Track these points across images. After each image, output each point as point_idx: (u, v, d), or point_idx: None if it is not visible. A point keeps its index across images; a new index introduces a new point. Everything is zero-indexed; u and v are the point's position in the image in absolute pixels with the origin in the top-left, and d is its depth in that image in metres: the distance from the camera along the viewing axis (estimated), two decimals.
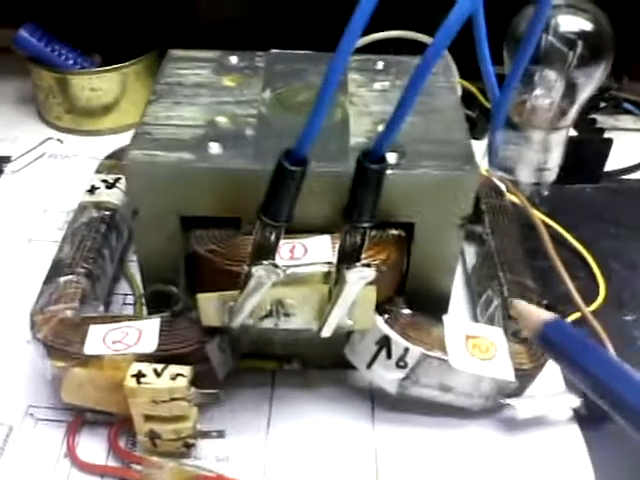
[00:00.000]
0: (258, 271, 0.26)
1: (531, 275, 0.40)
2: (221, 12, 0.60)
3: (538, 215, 0.44)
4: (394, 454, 0.34)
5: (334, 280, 0.29)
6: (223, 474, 0.32)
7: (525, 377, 0.35)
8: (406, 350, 0.33)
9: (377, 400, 0.37)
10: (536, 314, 0.27)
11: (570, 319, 0.40)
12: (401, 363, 0.33)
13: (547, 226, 0.45)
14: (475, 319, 0.41)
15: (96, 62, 0.58)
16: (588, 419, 0.36)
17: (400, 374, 0.34)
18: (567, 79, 0.36)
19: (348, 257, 0.28)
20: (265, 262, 0.27)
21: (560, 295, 0.42)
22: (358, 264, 0.27)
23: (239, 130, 0.33)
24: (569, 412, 0.36)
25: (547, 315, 0.27)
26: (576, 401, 0.36)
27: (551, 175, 0.42)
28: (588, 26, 0.36)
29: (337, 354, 0.35)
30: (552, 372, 0.37)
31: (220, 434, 0.33)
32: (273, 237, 0.27)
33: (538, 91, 0.37)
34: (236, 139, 0.32)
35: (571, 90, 0.37)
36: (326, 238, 0.32)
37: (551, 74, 0.36)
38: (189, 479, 0.32)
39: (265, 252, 0.27)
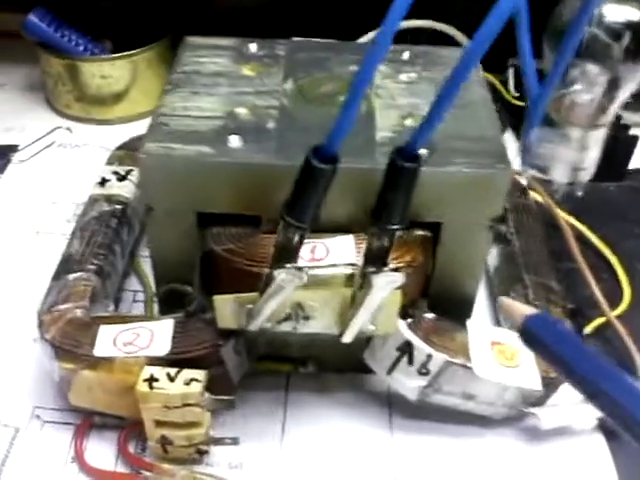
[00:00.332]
0: (281, 275, 0.25)
1: (556, 277, 0.38)
2: None
3: (562, 214, 0.43)
4: (412, 462, 0.33)
5: (359, 284, 0.27)
6: None
7: (550, 386, 0.33)
8: (429, 357, 0.32)
9: (395, 406, 0.35)
10: (520, 309, 0.27)
11: (595, 324, 0.39)
12: (423, 370, 0.32)
13: (570, 226, 0.43)
14: (497, 323, 0.39)
15: (107, 49, 0.57)
16: (613, 429, 0.35)
17: (422, 381, 0.32)
18: (610, 74, 0.34)
19: (374, 260, 0.26)
20: (288, 265, 0.25)
21: (583, 298, 0.40)
22: (386, 268, 0.26)
23: (260, 122, 0.31)
24: (593, 421, 0.35)
25: (530, 310, 0.26)
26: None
27: (587, 175, 0.41)
28: (637, 15, 0.34)
29: (354, 357, 0.33)
30: None
31: (234, 441, 0.32)
32: (297, 238, 0.25)
33: (578, 86, 0.35)
34: (257, 132, 0.31)
35: (613, 85, 0.36)
36: (349, 238, 0.30)
37: (593, 68, 0.34)
38: None
39: (287, 254, 0.26)
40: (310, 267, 0.28)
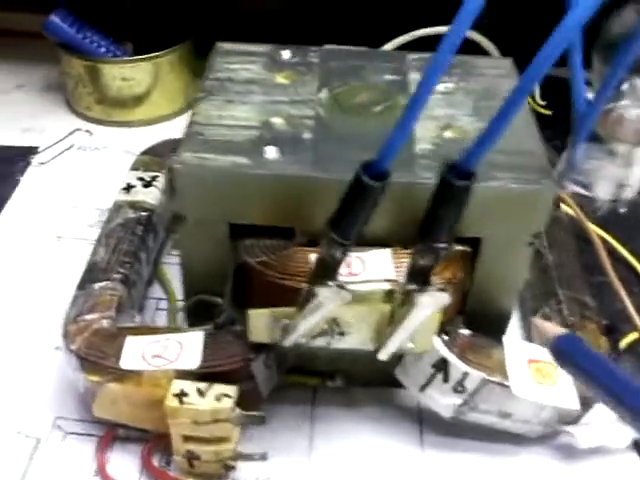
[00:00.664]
0: (323, 292, 0.24)
1: (589, 292, 0.38)
2: (262, 2, 0.58)
3: (592, 228, 0.42)
4: None
5: (399, 301, 0.26)
6: None
7: (584, 405, 0.32)
8: (465, 374, 0.31)
9: (426, 422, 0.34)
10: (552, 330, 0.26)
11: (629, 339, 0.38)
12: (459, 388, 0.31)
13: (601, 239, 0.43)
14: (529, 339, 0.38)
15: (128, 51, 0.56)
16: None
17: (458, 399, 0.31)
18: None
19: (418, 277, 0.25)
20: (330, 282, 0.24)
21: (616, 312, 0.39)
22: (431, 287, 0.25)
23: (296, 133, 0.30)
24: (628, 440, 0.34)
25: (561, 330, 0.27)
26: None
27: (631, 192, 0.40)
28: None
29: (383, 372, 0.33)
30: None
31: (262, 457, 0.31)
32: (339, 255, 0.24)
33: (626, 101, 0.34)
34: (293, 143, 0.30)
35: None
36: (386, 252, 0.29)
37: None
38: None
39: (328, 270, 0.25)
40: (350, 282, 0.27)
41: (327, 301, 0.24)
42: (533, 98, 0.54)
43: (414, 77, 0.35)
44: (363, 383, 0.35)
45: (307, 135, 0.30)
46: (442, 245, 0.24)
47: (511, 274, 0.31)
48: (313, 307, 0.25)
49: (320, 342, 0.28)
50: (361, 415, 0.35)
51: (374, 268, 0.29)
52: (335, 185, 0.23)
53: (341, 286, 0.24)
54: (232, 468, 0.31)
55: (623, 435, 0.34)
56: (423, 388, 0.32)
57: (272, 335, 0.28)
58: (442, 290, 0.25)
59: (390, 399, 0.35)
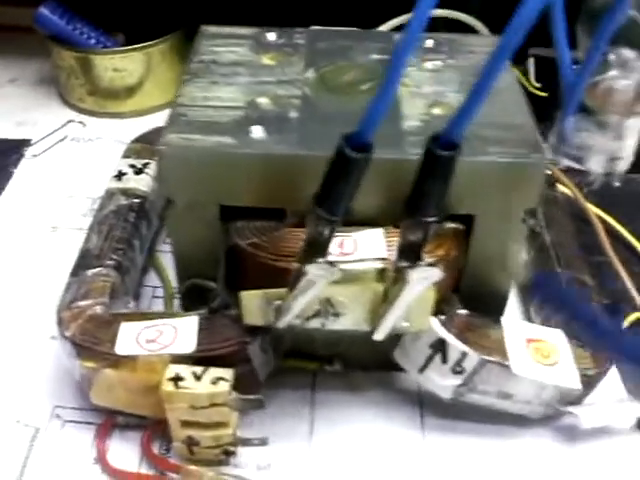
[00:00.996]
0: (312, 269, 0.24)
1: (589, 272, 0.37)
2: None
3: (590, 207, 0.41)
4: (446, 463, 0.32)
5: (392, 279, 0.26)
6: None
7: (588, 384, 0.32)
8: (464, 355, 0.30)
9: (426, 405, 0.34)
10: None
11: (630, 319, 0.38)
12: (458, 368, 0.31)
13: (599, 219, 0.42)
14: (528, 319, 0.38)
15: (119, 41, 0.56)
16: None
17: (457, 380, 0.31)
18: None
19: (408, 254, 0.25)
20: (319, 260, 0.24)
21: (616, 292, 0.39)
22: (422, 263, 0.24)
23: (282, 112, 0.30)
24: (632, 420, 0.34)
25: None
26: None
27: (624, 164, 0.39)
28: None
29: (381, 355, 0.32)
30: (613, 378, 0.35)
31: (262, 442, 0.31)
32: (327, 232, 0.24)
33: (614, 72, 0.34)
34: (279, 122, 0.30)
35: None
36: (378, 232, 0.29)
37: (630, 53, 0.33)
38: None
39: (317, 248, 0.25)
40: (339, 261, 0.27)
41: (317, 278, 0.24)
42: (528, 80, 0.53)
43: None
44: (362, 367, 0.35)
45: (293, 114, 0.30)
46: (430, 219, 0.24)
47: (506, 251, 0.31)
48: (304, 286, 0.25)
49: (315, 324, 0.28)
50: (361, 399, 0.34)
51: (366, 247, 0.28)
52: (322, 163, 0.23)
53: (330, 263, 0.24)
54: (232, 454, 0.31)
55: (627, 415, 0.33)
56: (422, 370, 0.31)
57: (266, 317, 0.28)
58: (433, 265, 0.24)
59: (390, 382, 0.35)
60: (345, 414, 0.34)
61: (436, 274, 0.24)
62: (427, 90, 0.32)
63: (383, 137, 0.28)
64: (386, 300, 0.27)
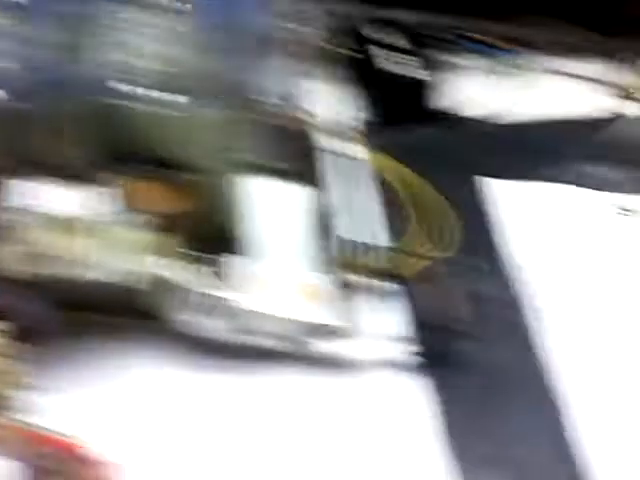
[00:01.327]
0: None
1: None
2: None
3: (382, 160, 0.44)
4: (220, 402, 0.35)
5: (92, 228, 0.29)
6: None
7: (343, 321, 0.35)
8: (217, 298, 0.34)
9: (197, 347, 0.36)
10: None
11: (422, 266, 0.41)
12: (215, 311, 0.34)
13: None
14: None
15: None
16: (426, 362, 0.37)
17: (216, 323, 0.34)
18: None
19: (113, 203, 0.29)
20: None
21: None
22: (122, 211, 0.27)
23: None
24: (387, 356, 0.37)
25: None
26: (410, 346, 0.37)
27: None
28: None
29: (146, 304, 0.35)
30: (385, 317, 0.38)
31: (44, 389, 0.33)
32: None
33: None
34: None
35: None
36: (72, 185, 0.32)
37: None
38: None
39: None
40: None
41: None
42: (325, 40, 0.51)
43: None
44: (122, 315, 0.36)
45: None
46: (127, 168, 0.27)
47: (232, 199, 0.34)
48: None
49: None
50: (139, 347, 0.36)
51: (58, 199, 0.31)
52: None
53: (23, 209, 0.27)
54: (14, 400, 0.32)
55: (382, 351, 0.37)
56: (184, 316, 0.34)
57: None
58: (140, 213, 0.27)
59: (162, 330, 0.36)
60: (124, 364, 0.35)
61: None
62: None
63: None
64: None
